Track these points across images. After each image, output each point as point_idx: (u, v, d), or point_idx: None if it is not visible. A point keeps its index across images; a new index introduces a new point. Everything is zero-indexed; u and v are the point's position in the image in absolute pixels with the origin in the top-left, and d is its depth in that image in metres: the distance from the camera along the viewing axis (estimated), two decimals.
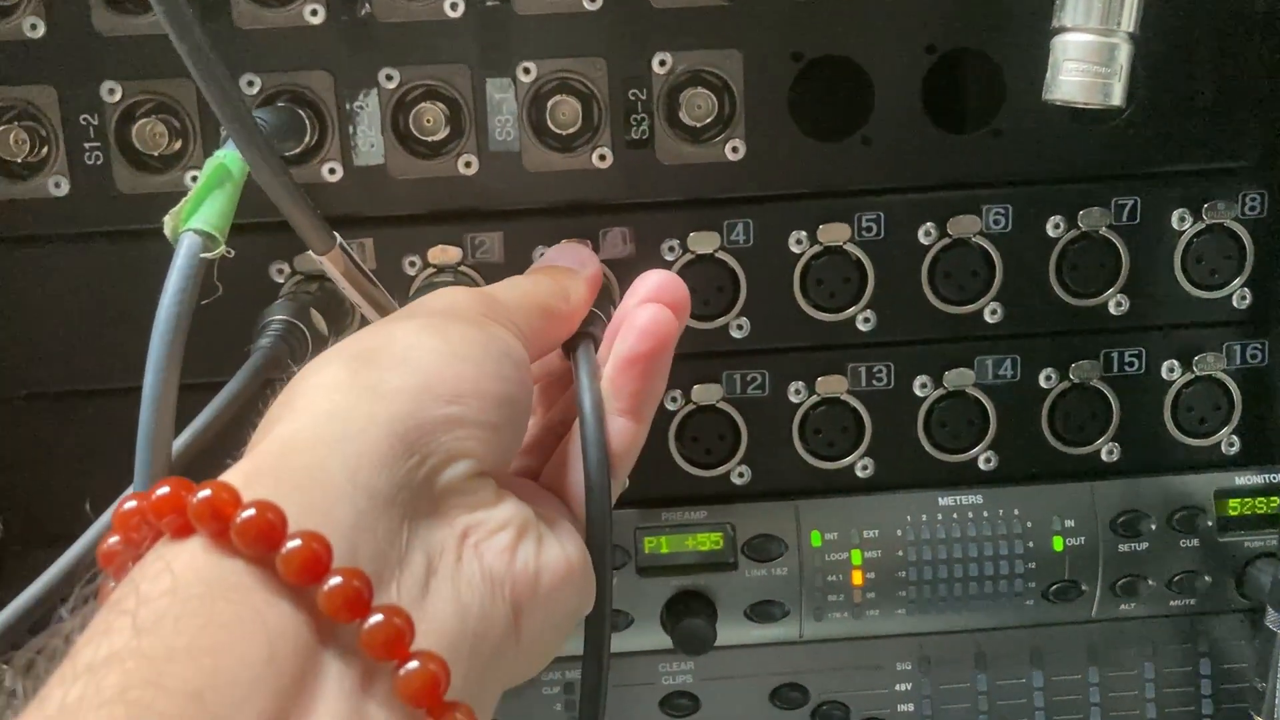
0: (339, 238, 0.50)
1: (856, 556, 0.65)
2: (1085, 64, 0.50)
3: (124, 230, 0.61)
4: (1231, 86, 0.62)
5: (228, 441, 0.49)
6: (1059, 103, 0.52)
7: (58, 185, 0.60)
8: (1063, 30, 0.51)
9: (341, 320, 0.61)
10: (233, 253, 0.48)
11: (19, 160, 0.60)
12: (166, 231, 0.47)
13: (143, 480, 0.42)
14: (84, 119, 0.60)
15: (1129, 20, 0.50)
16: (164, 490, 0.32)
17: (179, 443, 0.47)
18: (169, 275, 0.45)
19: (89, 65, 0.59)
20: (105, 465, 0.62)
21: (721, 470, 0.65)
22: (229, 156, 0.50)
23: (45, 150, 0.60)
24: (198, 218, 0.47)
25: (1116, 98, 0.51)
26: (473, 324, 0.43)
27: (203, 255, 0.46)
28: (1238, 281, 0.64)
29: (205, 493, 0.32)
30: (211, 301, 0.53)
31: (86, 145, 0.60)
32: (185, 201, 0.48)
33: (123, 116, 0.60)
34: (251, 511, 0.31)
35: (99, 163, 0.60)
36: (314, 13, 0.59)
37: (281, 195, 0.46)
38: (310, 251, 0.50)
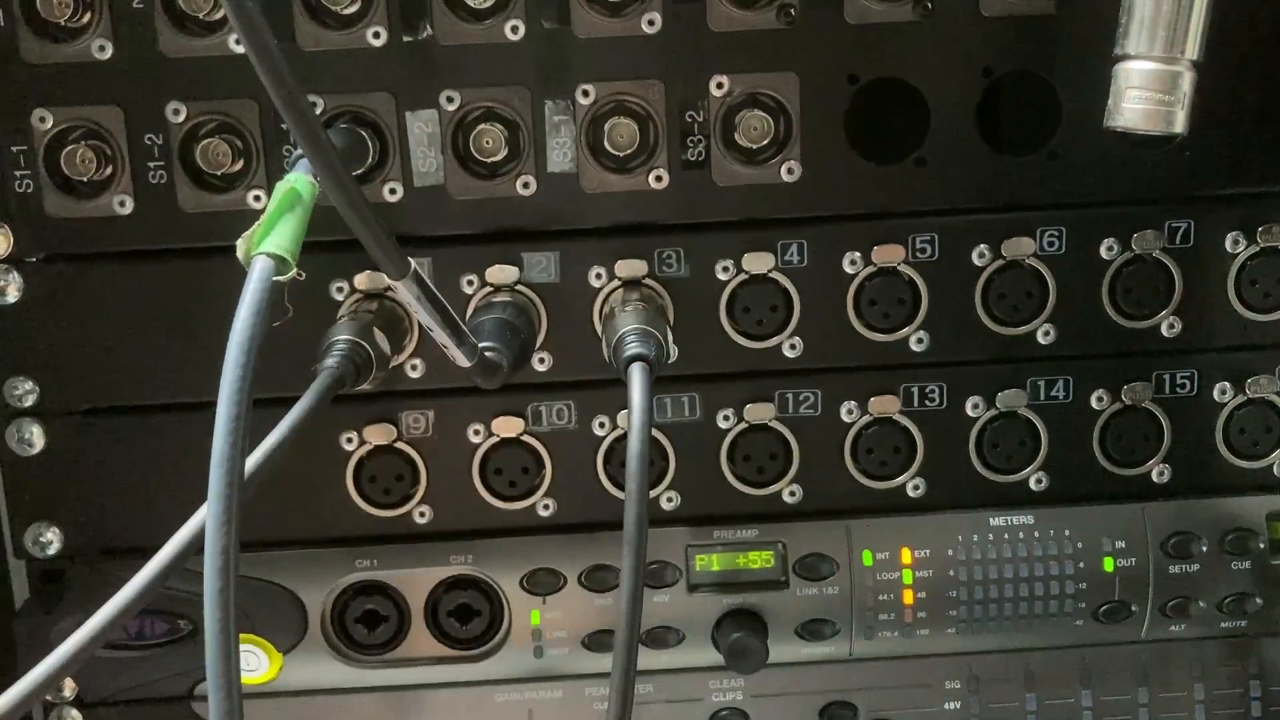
0: (413, 264, 0.50)
1: (907, 576, 0.65)
2: (1148, 92, 0.50)
3: (187, 248, 0.62)
4: None
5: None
6: (1121, 129, 0.52)
7: (122, 204, 0.61)
8: (1125, 58, 0.51)
9: (401, 339, 0.62)
10: (304, 275, 0.48)
11: (85, 179, 0.60)
12: (239, 255, 0.48)
13: (218, 501, 0.42)
14: (149, 139, 0.60)
15: (1193, 48, 0.50)
16: None
17: (251, 461, 0.47)
18: (242, 298, 0.45)
19: (154, 86, 0.59)
20: (164, 478, 0.63)
21: (773, 489, 0.65)
22: (299, 180, 0.50)
23: (111, 169, 0.61)
24: (270, 241, 0.48)
25: (1179, 125, 0.51)
26: None
27: (275, 279, 0.47)
28: None
29: None
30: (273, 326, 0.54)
31: (151, 164, 0.60)
32: (257, 225, 0.48)
33: (187, 136, 0.60)
34: None
35: (163, 182, 0.61)
36: (376, 35, 0.59)
37: (357, 222, 0.47)
38: (375, 270, 0.50)
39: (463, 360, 0.54)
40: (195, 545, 0.45)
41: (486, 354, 0.56)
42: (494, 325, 0.59)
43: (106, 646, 0.63)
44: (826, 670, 0.66)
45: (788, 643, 0.65)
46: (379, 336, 0.58)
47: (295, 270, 0.47)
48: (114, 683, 0.64)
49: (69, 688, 0.65)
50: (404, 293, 0.50)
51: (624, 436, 0.64)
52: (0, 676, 0.65)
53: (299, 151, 0.51)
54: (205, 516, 0.43)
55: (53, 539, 0.64)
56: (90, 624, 0.44)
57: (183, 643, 0.64)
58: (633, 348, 0.56)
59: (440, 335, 0.52)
